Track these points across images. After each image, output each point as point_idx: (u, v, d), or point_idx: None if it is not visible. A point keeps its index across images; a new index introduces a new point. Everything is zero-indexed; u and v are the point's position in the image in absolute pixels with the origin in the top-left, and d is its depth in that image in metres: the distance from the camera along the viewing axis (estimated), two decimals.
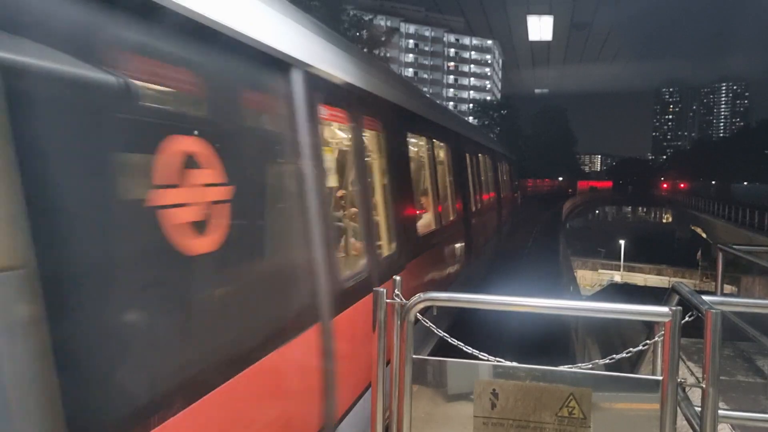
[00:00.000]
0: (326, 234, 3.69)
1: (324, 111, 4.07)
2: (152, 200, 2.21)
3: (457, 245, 9.18)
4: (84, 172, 1.93)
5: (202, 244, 2.48)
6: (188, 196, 2.41)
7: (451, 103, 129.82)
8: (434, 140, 8.12)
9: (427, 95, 11.95)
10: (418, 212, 7.01)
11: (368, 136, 5.26)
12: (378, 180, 5.41)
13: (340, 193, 6.01)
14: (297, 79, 3.53)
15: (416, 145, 7.50)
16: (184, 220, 2.38)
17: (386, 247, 5.37)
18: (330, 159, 5.00)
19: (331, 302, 3.66)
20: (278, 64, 3.36)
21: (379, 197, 5.38)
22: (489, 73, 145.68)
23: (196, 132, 2.50)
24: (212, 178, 2.58)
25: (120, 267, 2.06)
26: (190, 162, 2.42)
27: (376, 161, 5.44)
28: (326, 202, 3.88)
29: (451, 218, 8.87)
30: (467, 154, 11.05)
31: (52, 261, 1.72)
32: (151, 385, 2.14)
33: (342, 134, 5.48)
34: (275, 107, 3.39)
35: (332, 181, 5.06)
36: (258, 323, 2.98)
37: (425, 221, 7.34)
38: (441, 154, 8.84)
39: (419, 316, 2.97)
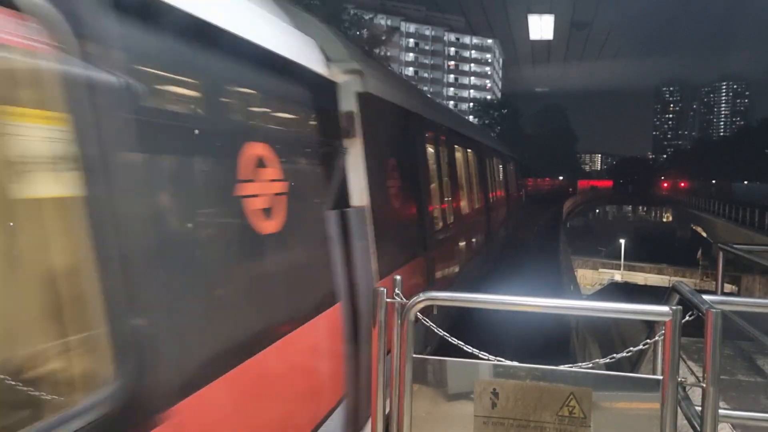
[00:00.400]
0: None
1: (424, 134, 7.28)
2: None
3: (482, 227, 12.26)
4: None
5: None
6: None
7: (452, 102, 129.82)
8: (468, 150, 11.16)
9: (459, 115, 16.72)
10: (463, 201, 10.14)
11: (449, 148, 9.13)
12: (444, 176, 8.52)
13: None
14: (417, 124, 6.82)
15: (456, 152, 10.08)
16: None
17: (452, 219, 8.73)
18: (430, 165, 7.74)
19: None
20: (386, 104, 5.50)
21: (446, 188, 8.55)
22: (489, 72, 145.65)
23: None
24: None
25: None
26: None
27: (445, 165, 8.66)
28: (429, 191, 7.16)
29: (479, 207, 11.91)
30: (486, 159, 13.88)
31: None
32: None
33: (431, 150, 7.91)
34: (394, 135, 5.98)
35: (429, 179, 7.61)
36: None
37: (466, 207, 10.41)
38: (471, 158, 11.50)
39: (419, 316, 2.97)
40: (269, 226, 3.01)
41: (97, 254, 1.75)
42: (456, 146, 9.89)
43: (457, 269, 8.84)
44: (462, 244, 9.63)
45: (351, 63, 4.32)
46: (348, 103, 4.31)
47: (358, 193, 4.31)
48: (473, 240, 10.72)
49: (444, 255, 7.72)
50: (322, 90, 4.05)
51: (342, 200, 4.09)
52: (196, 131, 2.50)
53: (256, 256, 2.96)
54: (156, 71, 2.33)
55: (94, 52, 1.85)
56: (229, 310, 2.59)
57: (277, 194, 3.12)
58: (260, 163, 2.95)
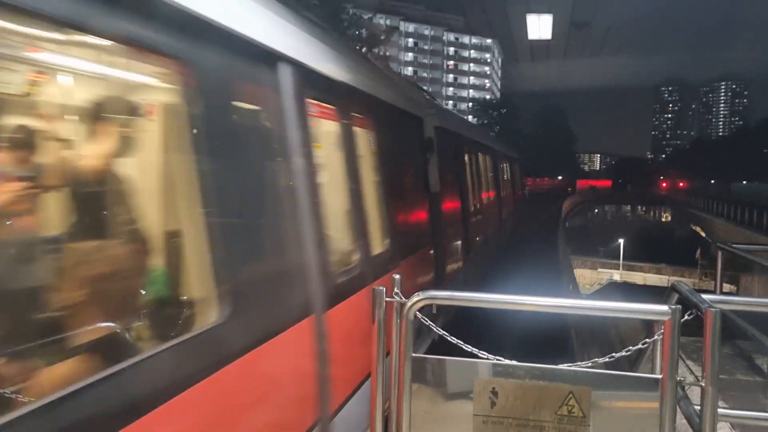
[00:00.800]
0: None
1: (468, 147, 12.06)
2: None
3: (501, 209, 17.30)
4: None
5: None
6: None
7: (451, 102, 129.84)
8: (493, 157, 16.67)
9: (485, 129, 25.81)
10: (490, 192, 15.32)
11: (490, 159, 15.83)
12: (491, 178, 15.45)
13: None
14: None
15: (486, 159, 15.05)
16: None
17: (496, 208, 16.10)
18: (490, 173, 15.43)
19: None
20: (448, 132, 9.99)
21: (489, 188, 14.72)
22: (488, 72, 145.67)
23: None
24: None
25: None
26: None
27: (488, 171, 15.41)
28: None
29: (500, 195, 17.19)
30: (505, 163, 20.12)
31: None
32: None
33: (472, 157, 12.59)
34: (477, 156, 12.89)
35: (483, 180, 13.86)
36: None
37: (492, 196, 15.67)
38: (495, 163, 16.91)
39: (419, 315, 2.97)
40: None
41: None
42: (486, 155, 15.03)
43: (489, 232, 14.26)
44: (490, 218, 14.85)
45: (431, 108, 8.75)
46: (429, 131, 8.03)
47: (435, 183, 7.95)
48: (496, 215, 16.31)
49: (481, 223, 12.68)
50: (418, 125, 7.67)
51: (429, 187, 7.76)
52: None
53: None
54: None
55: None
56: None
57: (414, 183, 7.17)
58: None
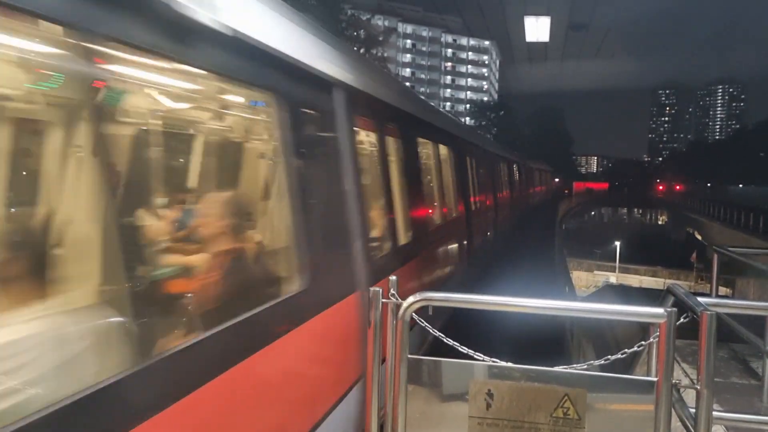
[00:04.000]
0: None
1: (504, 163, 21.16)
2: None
3: (512, 209, 22.09)
4: None
5: None
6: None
7: (448, 104, 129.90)
8: (512, 166, 23.85)
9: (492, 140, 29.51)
10: (514, 189, 23.60)
11: (508, 167, 22.77)
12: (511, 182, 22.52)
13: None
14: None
15: (507, 168, 21.76)
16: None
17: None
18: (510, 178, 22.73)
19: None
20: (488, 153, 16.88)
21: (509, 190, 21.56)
22: (486, 74, 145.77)
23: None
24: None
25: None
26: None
27: (511, 176, 23.49)
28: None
29: (513, 198, 22.59)
30: (523, 170, 28.06)
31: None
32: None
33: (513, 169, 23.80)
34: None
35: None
36: None
37: (514, 191, 23.35)
38: (513, 170, 23.78)
39: (415, 316, 2.97)
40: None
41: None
42: (506, 165, 21.11)
43: (510, 215, 20.33)
44: (511, 208, 21.04)
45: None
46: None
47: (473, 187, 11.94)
48: (512, 206, 21.91)
49: (507, 211, 19.21)
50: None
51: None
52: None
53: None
54: None
55: None
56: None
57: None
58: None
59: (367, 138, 5.26)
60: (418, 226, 6.40)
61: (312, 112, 3.68)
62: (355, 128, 4.42)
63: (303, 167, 3.34)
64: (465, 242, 10.24)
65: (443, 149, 9.10)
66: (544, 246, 27.42)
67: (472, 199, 11.52)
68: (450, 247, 8.87)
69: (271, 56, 3.02)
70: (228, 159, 4.66)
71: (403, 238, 5.67)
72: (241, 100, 3.85)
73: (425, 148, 7.95)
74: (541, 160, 53.86)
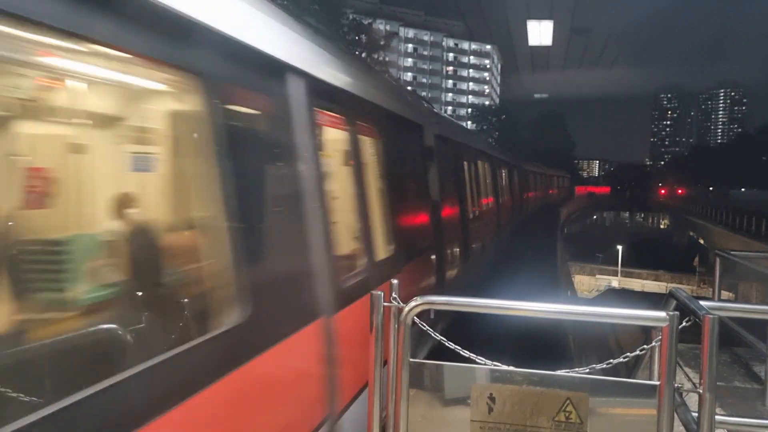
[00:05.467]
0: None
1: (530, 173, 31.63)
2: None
3: (519, 208, 24.80)
4: None
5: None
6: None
7: (450, 108, 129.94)
8: (529, 173, 32.07)
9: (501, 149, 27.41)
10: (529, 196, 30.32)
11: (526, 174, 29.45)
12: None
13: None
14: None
15: (524, 175, 28.16)
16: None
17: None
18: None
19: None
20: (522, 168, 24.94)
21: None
22: (488, 78, 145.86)
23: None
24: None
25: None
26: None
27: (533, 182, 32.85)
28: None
29: (525, 200, 28.00)
30: (530, 176, 31.78)
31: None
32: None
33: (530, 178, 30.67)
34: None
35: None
36: None
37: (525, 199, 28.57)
38: (526, 177, 29.37)
39: (416, 320, 2.97)
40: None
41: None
42: (522, 172, 25.65)
43: (523, 210, 25.35)
44: (522, 206, 25.00)
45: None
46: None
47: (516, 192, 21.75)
48: (522, 205, 25.55)
49: (521, 210, 24.59)
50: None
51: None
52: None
53: None
54: None
55: None
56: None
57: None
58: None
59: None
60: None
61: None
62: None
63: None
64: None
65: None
66: (547, 249, 27.59)
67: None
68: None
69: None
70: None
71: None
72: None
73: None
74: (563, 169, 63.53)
